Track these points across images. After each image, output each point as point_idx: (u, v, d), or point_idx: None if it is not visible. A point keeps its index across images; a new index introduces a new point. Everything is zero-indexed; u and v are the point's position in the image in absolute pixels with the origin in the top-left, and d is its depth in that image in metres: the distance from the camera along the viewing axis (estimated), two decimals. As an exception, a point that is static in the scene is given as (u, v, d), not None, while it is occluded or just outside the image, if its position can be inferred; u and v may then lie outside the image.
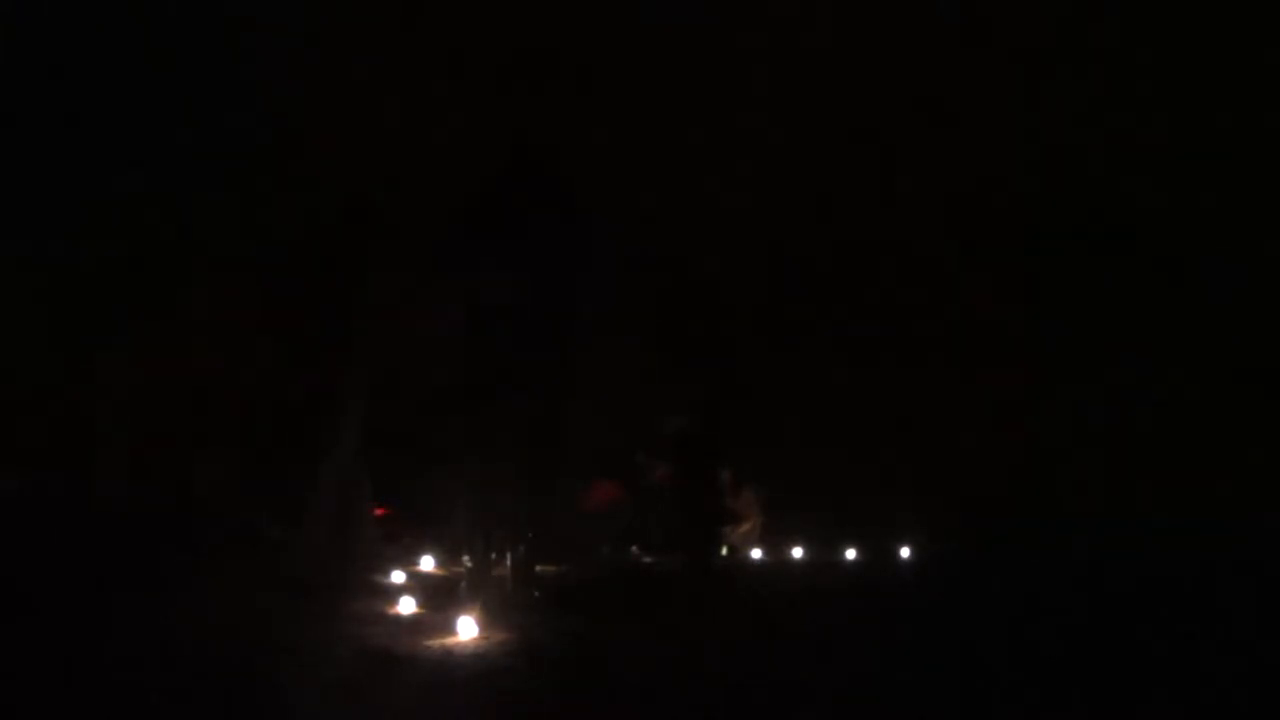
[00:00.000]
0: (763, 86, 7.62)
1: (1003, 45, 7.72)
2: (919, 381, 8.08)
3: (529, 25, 7.21)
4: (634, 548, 7.34)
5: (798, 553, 7.53)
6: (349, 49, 7.12)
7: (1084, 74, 7.80)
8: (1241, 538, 6.78)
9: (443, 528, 6.80)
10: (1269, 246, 7.68)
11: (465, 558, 6.32)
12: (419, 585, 6.09)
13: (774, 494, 7.76)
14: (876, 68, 7.64)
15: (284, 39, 7.08)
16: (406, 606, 5.57)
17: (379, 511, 7.07)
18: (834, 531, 7.63)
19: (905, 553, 7.47)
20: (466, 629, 5.02)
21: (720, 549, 7.29)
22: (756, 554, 7.57)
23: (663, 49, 7.43)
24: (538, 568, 6.24)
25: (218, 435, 7.09)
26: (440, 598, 5.74)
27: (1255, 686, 4.31)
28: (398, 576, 6.28)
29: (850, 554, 7.50)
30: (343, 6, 7.21)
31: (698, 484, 7.03)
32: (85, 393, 7.05)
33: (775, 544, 7.62)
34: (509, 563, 6.07)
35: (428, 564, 6.74)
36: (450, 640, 4.97)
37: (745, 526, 7.63)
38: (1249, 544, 6.68)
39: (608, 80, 7.31)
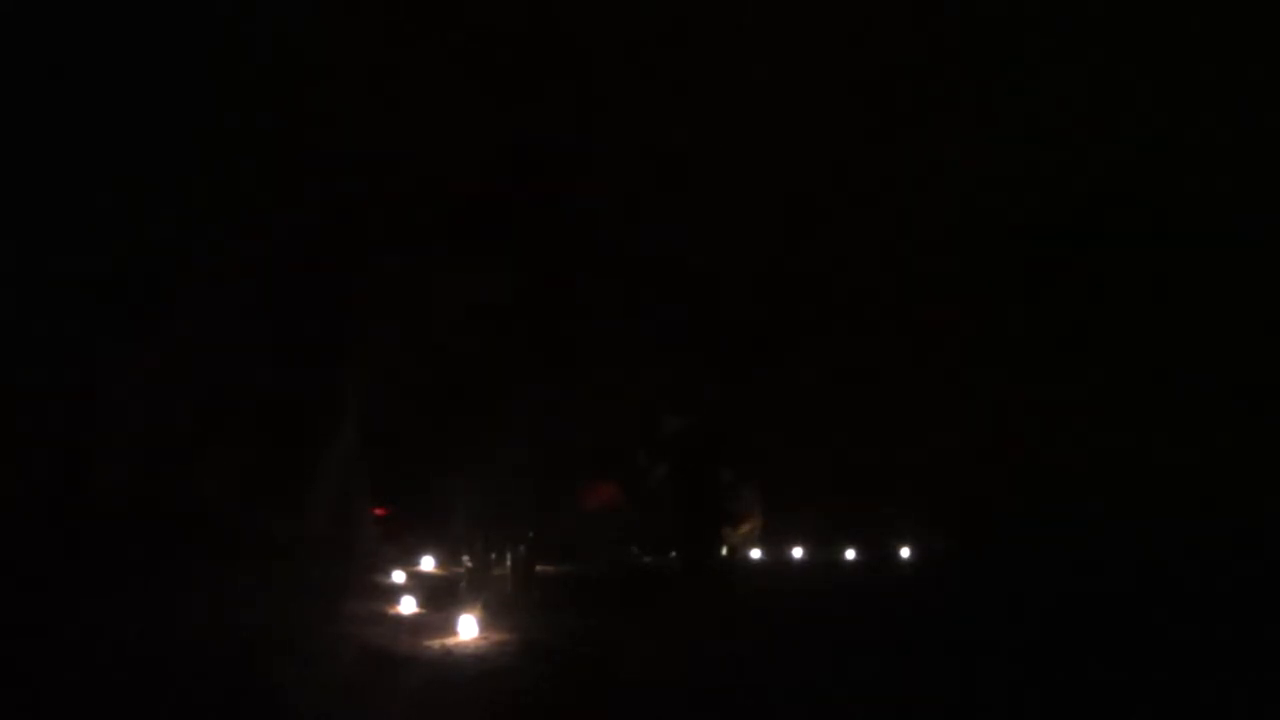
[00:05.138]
0: (764, 85, 7.62)
1: (1005, 47, 7.73)
2: (919, 382, 8.09)
3: (529, 24, 7.22)
4: (634, 548, 7.33)
5: (798, 553, 7.53)
6: (349, 49, 7.12)
7: (1085, 75, 7.81)
8: (1240, 537, 6.79)
9: (443, 528, 6.81)
10: (1268, 246, 7.68)
11: (465, 558, 6.33)
12: (419, 585, 6.09)
13: (774, 494, 7.76)
14: (878, 67, 7.64)
15: (283, 39, 7.09)
16: (407, 606, 5.57)
17: (379, 511, 7.08)
18: (834, 531, 7.63)
19: (905, 553, 7.48)
20: (466, 629, 5.03)
21: (720, 549, 7.28)
22: (756, 554, 7.57)
23: (663, 48, 7.43)
24: (538, 568, 6.25)
25: (218, 436, 7.09)
26: (440, 598, 5.74)
27: (1253, 686, 4.31)
28: (398, 576, 6.29)
29: (850, 554, 7.50)
30: (344, 6, 7.22)
31: (698, 484, 7.03)
32: (85, 394, 7.05)
33: (775, 544, 7.62)
34: (509, 563, 6.08)
35: (428, 564, 6.74)
36: (450, 640, 4.98)
37: (745, 526, 7.62)
38: (1247, 543, 6.68)
39: (608, 79, 7.32)
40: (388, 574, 6.35)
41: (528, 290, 6.10)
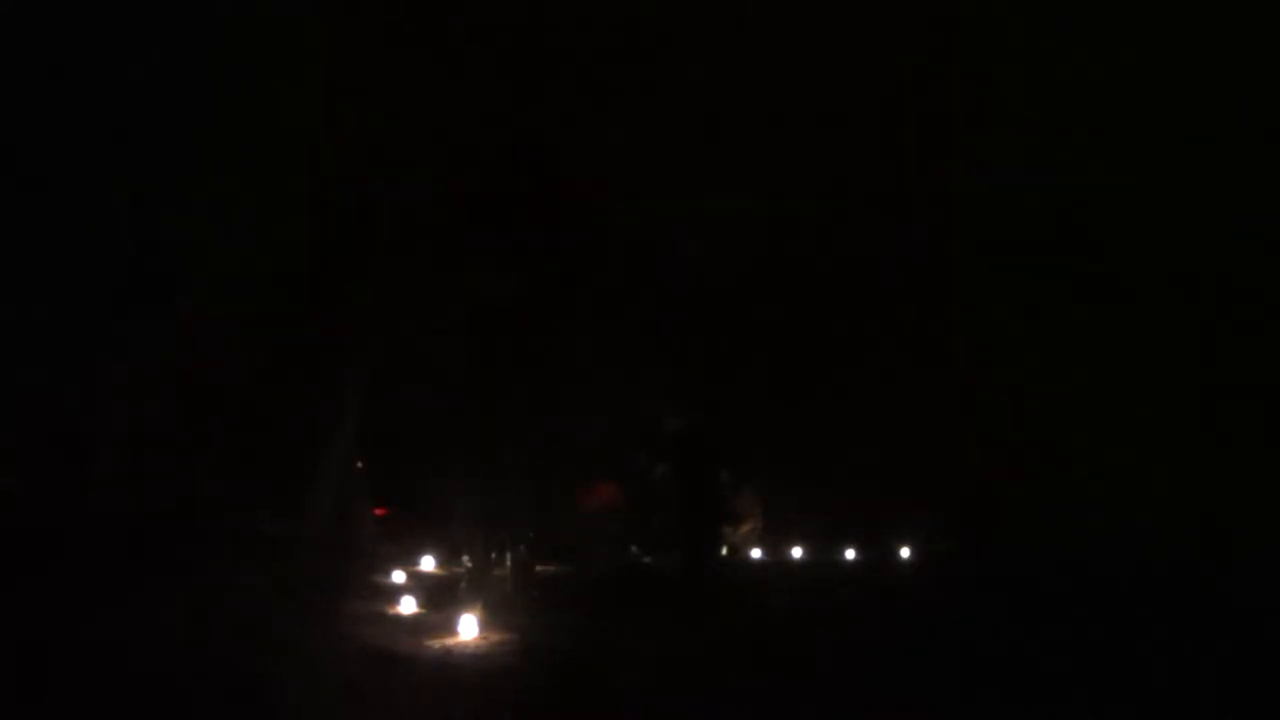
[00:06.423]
0: (764, 86, 7.62)
1: (1005, 51, 7.74)
2: (918, 382, 8.08)
3: (531, 23, 7.22)
4: (634, 548, 7.34)
5: (798, 553, 7.53)
6: (352, 48, 7.12)
7: (1085, 76, 7.82)
8: (1236, 539, 6.79)
9: (443, 528, 6.81)
10: (1266, 249, 7.68)
11: (465, 558, 6.33)
12: (419, 585, 6.09)
13: (774, 494, 7.76)
14: (879, 70, 7.64)
15: (285, 39, 7.09)
16: (407, 606, 5.57)
17: (379, 511, 7.08)
18: (834, 531, 7.64)
19: (905, 553, 7.48)
20: (466, 629, 5.03)
21: (720, 549, 7.29)
22: (756, 554, 7.57)
23: (665, 48, 7.43)
24: (538, 568, 6.25)
25: (217, 436, 7.09)
26: (440, 598, 5.74)
27: (1249, 687, 4.32)
28: (398, 576, 6.29)
29: (850, 554, 7.50)
30: (344, 6, 7.22)
31: (698, 484, 7.03)
32: (85, 394, 7.05)
33: (775, 544, 7.62)
34: (509, 563, 6.08)
35: (428, 564, 6.74)
36: (450, 640, 4.98)
37: (745, 526, 7.62)
38: (1244, 545, 6.68)
39: (610, 78, 7.32)
40: (388, 574, 6.35)
41: (528, 290, 6.09)
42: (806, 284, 8.10)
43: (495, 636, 5.04)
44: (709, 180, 7.58)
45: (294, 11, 7.07)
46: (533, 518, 6.17)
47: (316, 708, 4.07)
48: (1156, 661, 4.70)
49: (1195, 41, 7.54)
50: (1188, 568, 6.29)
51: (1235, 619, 5.35)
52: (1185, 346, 7.67)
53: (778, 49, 7.63)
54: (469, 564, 6.21)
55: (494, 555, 6.14)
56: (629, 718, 4.10)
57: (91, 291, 7.02)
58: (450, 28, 7.16)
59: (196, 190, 7.07)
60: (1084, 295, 7.94)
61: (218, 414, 7.10)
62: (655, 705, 4.17)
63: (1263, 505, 7.10)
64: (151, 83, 6.94)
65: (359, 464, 6.92)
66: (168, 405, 7.06)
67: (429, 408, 7.00)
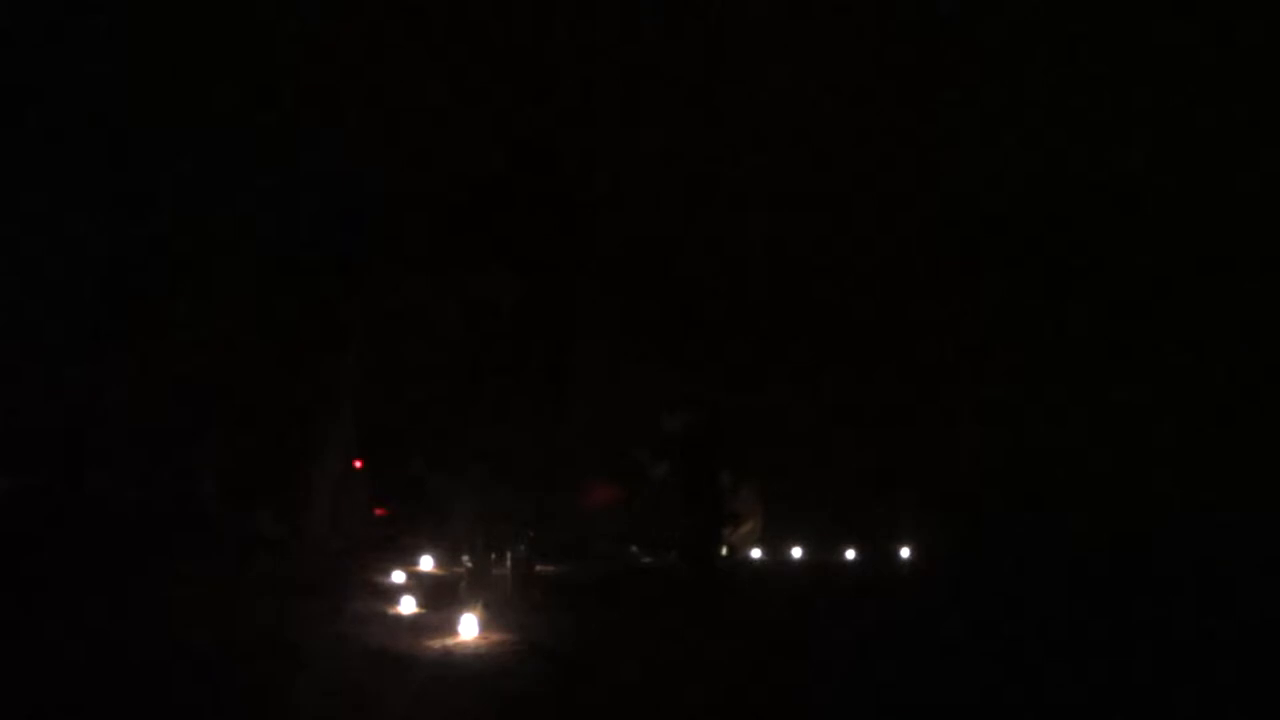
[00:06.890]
0: (763, 88, 7.63)
1: (1005, 51, 7.75)
2: (918, 383, 8.09)
3: (532, 25, 7.22)
4: (634, 548, 7.34)
5: (798, 553, 7.54)
6: (353, 47, 7.13)
7: (1085, 76, 7.82)
8: (1235, 535, 6.79)
9: (443, 528, 6.80)
10: (1262, 247, 7.69)
11: (465, 558, 6.33)
12: (419, 585, 6.09)
13: (774, 494, 7.76)
14: (879, 70, 7.65)
15: (285, 37, 7.10)
16: (406, 606, 5.57)
17: (379, 511, 7.08)
18: (834, 531, 7.64)
19: (905, 553, 7.49)
20: (467, 629, 5.02)
21: (720, 549, 7.29)
22: (756, 554, 7.58)
23: (665, 50, 7.44)
24: (538, 568, 6.25)
25: (216, 435, 7.09)
26: (440, 598, 5.74)
27: (1246, 685, 4.32)
28: (398, 576, 6.29)
29: (850, 554, 7.51)
30: (347, 6, 7.23)
31: (698, 484, 7.03)
32: (83, 392, 7.06)
33: (775, 544, 7.63)
34: (509, 563, 6.08)
35: (428, 564, 6.74)
36: (450, 640, 4.97)
37: (745, 526, 7.63)
38: (1242, 542, 6.69)
39: (610, 80, 7.32)
40: (388, 574, 6.35)
41: (528, 290, 6.10)
42: (807, 283, 8.11)
43: (495, 636, 5.04)
44: (709, 180, 7.59)
45: (294, 11, 7.07)
46: (533, 518, 6.17)
47: (316, 708, 4.06)
48: (1157, 660, 4.70)
49: (1195, 41, 7.54)
50: (1187, 565, 6.29)
51: (1235, 618, 5.35)
52: (1185, 346, 7.68)
53: (778, 50, 7.64)
54: (469, 564, 6.20)
55: (494, 555, 6.14)
56: (629, 717, 4.09)
57: (91, 290, 7.02)
58: (450, 28, 7.16)
59: (196, 189, 7.07)
60: (1084, 295, 7.95)
61: (217, 414, 7.09)
62: (656, 705, 4.17)
63: (1263, 504, 7.11)
64: (152, 83, 6.94)
65: (358, 464, 6.93)
66: (168, 405, 7.06)
67: (429, 408, 7.00)
